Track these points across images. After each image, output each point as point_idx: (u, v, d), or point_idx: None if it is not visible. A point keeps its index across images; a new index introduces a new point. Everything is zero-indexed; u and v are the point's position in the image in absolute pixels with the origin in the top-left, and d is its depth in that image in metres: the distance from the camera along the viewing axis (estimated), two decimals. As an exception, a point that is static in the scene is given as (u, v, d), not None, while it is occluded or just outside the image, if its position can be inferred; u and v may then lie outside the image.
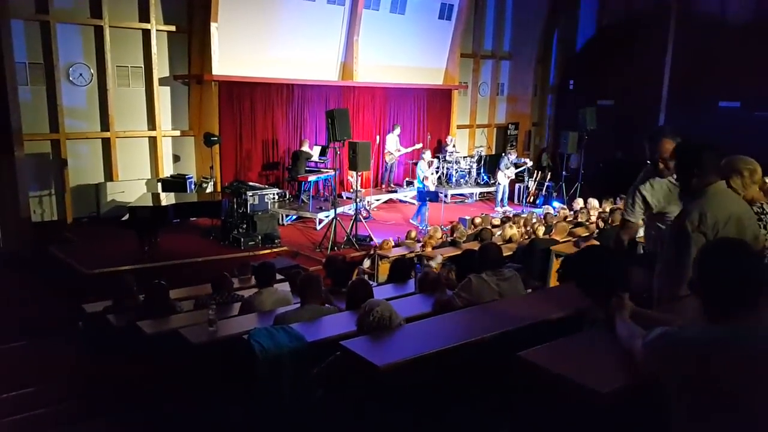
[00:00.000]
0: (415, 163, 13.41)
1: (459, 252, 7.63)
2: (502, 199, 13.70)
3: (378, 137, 13.87)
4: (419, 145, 13.98)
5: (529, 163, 14.84)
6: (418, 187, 12.32)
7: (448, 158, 14.30)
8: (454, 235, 8.65)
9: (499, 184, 13.70)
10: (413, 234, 9.20)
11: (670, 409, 1.71)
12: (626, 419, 1.95)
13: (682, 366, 1.65)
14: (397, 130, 13.87)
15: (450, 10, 15.02)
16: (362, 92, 13.97)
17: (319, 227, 11.01)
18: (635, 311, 2.28)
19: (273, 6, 12.10)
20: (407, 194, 13.72)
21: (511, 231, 8.34)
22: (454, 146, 14.86)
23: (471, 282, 3.86)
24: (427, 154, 12.97)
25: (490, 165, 14.99)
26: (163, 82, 11.68)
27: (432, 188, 12.13)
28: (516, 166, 13.96)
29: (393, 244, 8.61)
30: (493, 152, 16.70)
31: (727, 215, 2.59)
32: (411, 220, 11.66)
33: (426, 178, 12.29)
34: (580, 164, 14.61)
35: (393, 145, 13.75)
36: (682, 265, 2.46)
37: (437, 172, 13.02)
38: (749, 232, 2.69)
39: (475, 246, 6.72)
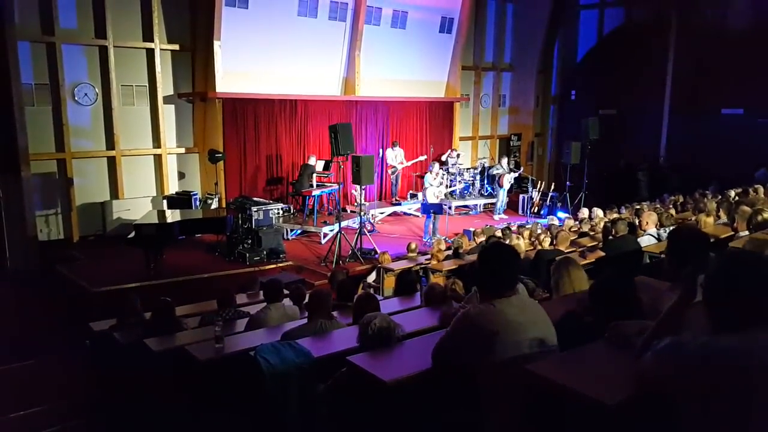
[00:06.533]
0: (420, 176, 13.37)
1: (462, 263, 7.61)
2: (499, 208, 13.90)
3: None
4: (423, 157, 14.02)
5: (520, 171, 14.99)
6: (422, 201, 12.26)
7: (450, 170, 14.30)
8: (455, 247, 8.60)
9: (503, 189, 13.77)
10: (413, 246, 9.17)
11: (676, 420, 1.70)
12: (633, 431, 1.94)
13: (694, 375, 1.62)
14: (397, 146, 14.01)
15: (450, 24, 15.13)
16: (365, 106, 14.05)
17: (323, 241, 11.02)
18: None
19: (275, 23, 12.22)
20: (411, 207, 13.72)
21: (518, 242, 8.29)
22: (457, 156, 14.74)
23: (476, 294, 3.84)
24: (435, 167, 12.97)
25: (493, 176, 14.99)
26: (167, 100, 11.79)
27: (432, 200, 11.94)
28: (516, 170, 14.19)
29: (390, 257, 8.58)
30: (496, 163, 16.70)
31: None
32: (424, 239, 11.26)
33: (426, 188, 12.22)
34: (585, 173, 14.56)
35: (393, 159, 13.82)
36: None
37: (440, 184, 12.96)
38: None
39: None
